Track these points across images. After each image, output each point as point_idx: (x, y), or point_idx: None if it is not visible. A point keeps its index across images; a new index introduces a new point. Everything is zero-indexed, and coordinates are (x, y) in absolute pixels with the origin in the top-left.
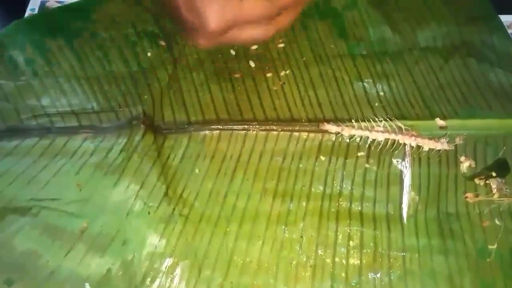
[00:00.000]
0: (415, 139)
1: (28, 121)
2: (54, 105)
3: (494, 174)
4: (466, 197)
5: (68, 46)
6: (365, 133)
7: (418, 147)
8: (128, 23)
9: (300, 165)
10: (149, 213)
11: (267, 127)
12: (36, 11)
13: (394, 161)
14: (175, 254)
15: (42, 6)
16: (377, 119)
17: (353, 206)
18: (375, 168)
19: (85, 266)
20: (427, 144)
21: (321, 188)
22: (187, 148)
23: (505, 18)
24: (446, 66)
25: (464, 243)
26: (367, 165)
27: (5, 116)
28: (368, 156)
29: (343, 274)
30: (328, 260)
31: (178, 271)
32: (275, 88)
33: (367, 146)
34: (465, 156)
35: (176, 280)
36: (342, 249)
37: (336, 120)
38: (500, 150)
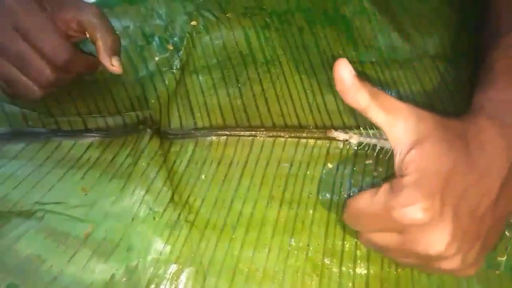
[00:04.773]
0: None
1: (34, 124)
2: (60, 108)
3: None
4: None
5: None
6: (374, 140)
7: None
8: (136, 27)
9: (308, 172)
10: (154, 218)
11: (274, 134)
12: None
13: None
14: (180, 260)
15: None
16: None
17: None
18: (383, 176)
19: (89, 272)
20: None
21: (329, 196)
22: (194, 153)
23: None
24: (456, 74)
25: None
26: (375, 173)
27: (11, 119)
28: (376, 164)
29: (350, 284)
30: (335, 270)
31: (182, 278)
32: (282, 94)
33: (375, 154)
34: None
35: (180, 287)
36: (349, 258)
37: (344, 127)
38: None
